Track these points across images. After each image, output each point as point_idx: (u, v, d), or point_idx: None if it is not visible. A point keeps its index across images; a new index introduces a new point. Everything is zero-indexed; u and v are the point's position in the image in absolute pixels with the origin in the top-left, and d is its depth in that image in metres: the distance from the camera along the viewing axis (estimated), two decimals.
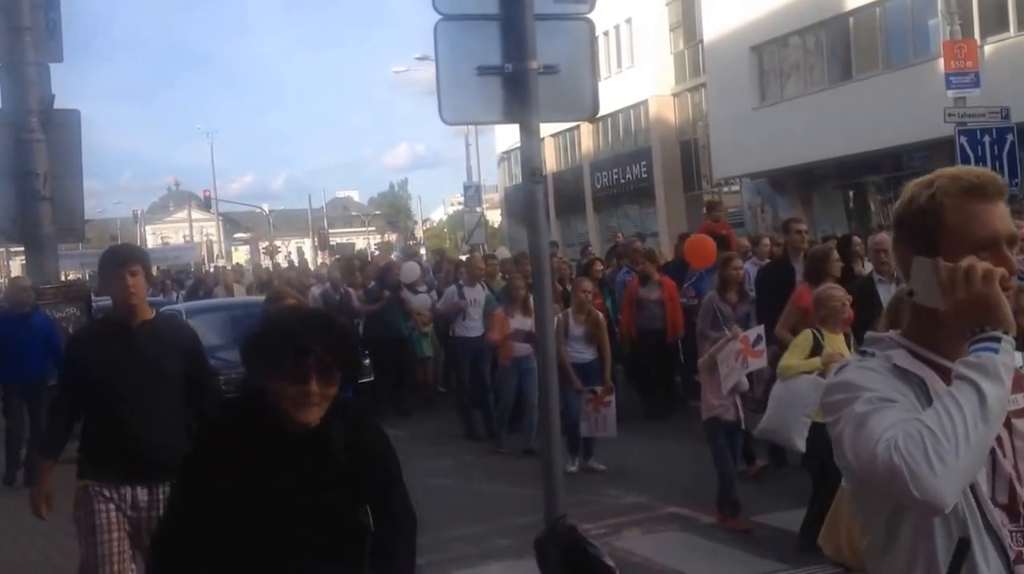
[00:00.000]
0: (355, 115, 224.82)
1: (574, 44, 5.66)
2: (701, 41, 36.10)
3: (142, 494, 5.15)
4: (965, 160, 17.73)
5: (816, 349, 7.27)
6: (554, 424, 5.64)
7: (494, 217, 66.21)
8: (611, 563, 4.46)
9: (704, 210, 16.35)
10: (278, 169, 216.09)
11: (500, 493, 10.14)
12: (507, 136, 48.43)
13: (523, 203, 5.61)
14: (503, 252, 19.60)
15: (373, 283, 16.36)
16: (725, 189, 37.48)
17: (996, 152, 17.90)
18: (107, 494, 5.12)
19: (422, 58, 46.14)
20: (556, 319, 9.43)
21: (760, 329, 8.81)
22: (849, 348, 7.13)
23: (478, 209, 43.84)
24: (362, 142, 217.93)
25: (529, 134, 5.45)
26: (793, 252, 10.87)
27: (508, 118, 5.55)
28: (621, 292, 14.33)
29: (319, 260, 51.43)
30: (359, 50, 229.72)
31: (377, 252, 52.18)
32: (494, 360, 13.12)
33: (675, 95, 40.00)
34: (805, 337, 7.42)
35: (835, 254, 9.31)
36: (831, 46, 30.22)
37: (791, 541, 7.54)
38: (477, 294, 13.67)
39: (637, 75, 39.82)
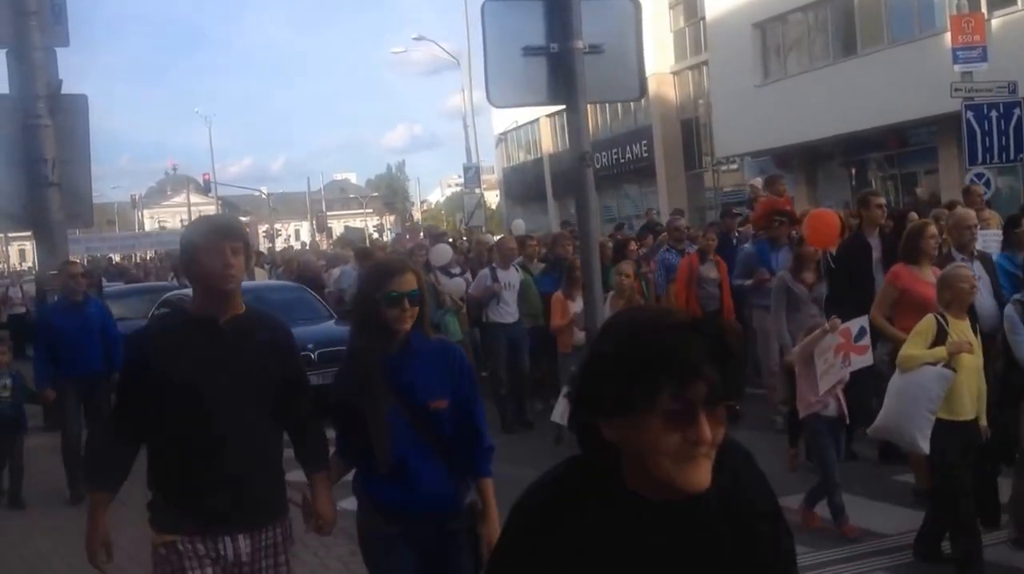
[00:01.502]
0: (354, 96, 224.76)
1: (620, 23, 5.57)
2: (703, 18, 35.90)
3: (244, 545, 4.01)
4: (971, 135, 17.70)
5: (940, 337, 6.46)
6: None
7: (491, 198, 66.04)
8: None
9: (762, 185, 15.49)
10: (276, 152, 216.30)
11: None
12: (505, 117, 48.30)
13: (574, 186, 5.51)
14: (519, 227, 19.04)
15: None
16: (725, 167, 37.40)
17: (1003, 127, 17.84)
18: (202, 550, 3.93)
19: (419, 38, 46.18)
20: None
21: (864, 320, 7.88)
22: (976, 335, 6.56)
23: (477, 190, 43.63)
24: (360, 124, 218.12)
25: (576, 115, 5.37)
26: (869, 227, 10.13)
27: (554, 99, 5.47)
28: (664, 272, 13.56)
29: (322, 244, 51.40)
30: (357, 31, 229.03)
31: (375, 235, 52.04)
32: (533, 347, 12.69)
33: (675, 73, 39.80)
34: (927, 324, 6.56)
35: (932, 229, 8.53)
36: (835, 21, 30.07)
37: (833, 531, 7.41)
38: (511, 277, 12.90)
39: None
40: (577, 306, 10.64)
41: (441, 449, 4.08)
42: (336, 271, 17.47)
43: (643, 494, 1.95)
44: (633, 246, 14.17)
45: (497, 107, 5.70)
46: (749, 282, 11.51)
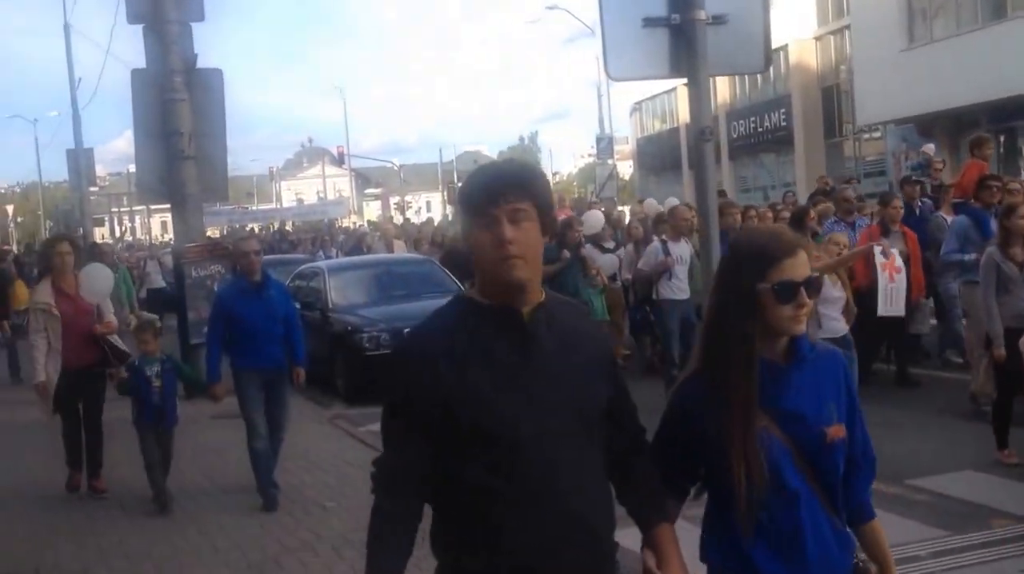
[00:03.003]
0: (487, 67, 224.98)
1: None
2: None
3: None
4: None
5: None
6: None
7: (624, 169, 65.60)
8: None
9: (970, 148, 13.93)
10: (410, 124, 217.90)
11: None
12: (640, 86, 47.68)
13: (693, 162, 5.28)
14: (652, 205, 18.47)
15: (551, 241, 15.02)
16: (867, 135, 36.43)
17: None
18: None
19: (552, 7, 45.90)
20: None
21: None
22: None
23: (610, 161, 43.33)
24: (493, 94, 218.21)
25: (698, 89, 5.12)
26: None
27: (675, 72, 5.21)
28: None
29: (451, 215, 51.66)
30: (491, 1, 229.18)
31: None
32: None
33: (817, 39, 38.81)
34: None
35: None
36: None
37: (949, 507, 7.11)
38: (682, 250, 11.93)
39: (776, 19, 38.53)
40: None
41: (830, 496, 2.90)
42: None
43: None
44: (812, 215, 12.31)
45: (615, 80, 5.49)
46: (970, 257, 10.03)
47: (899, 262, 10.60)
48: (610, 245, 14.61)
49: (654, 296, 12.19)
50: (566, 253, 13.16)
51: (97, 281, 9.23)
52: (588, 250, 13.56)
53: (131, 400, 8.52)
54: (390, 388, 2.77)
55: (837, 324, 9.08)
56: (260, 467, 8.45)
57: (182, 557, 7.27)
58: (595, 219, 14.79)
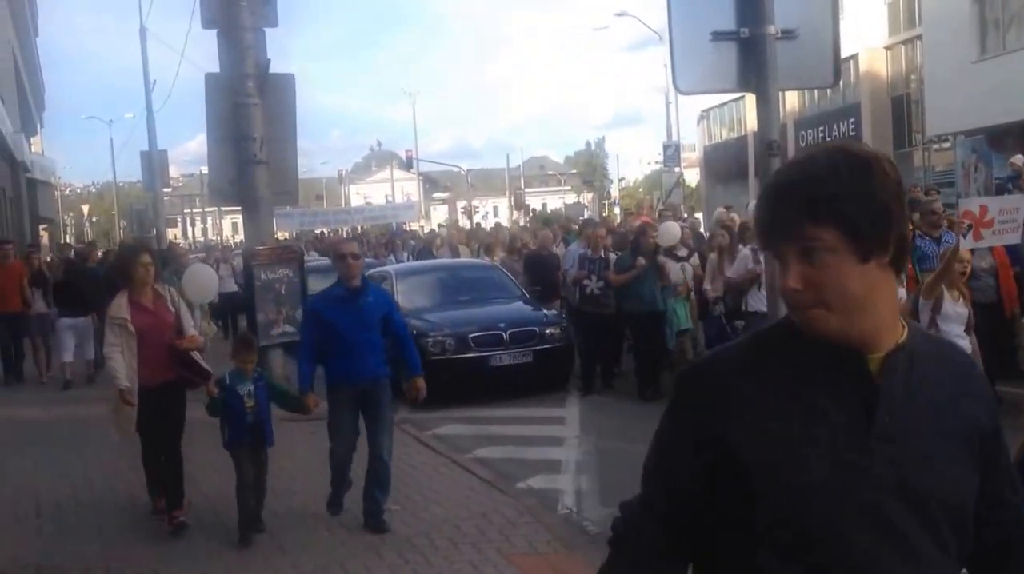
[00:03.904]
0: (555, 73, 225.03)
1: (816, 6, 5.34)
2: None
3: None
4: None
5: None
6: None
7: (691, 176, 65.26)
8: None
9: None
10: (478, 128, 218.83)
11: None
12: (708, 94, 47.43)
13: (761, 174, 5.34)
14: (722, 213, 18.29)
15: (620, 251, 14.42)
16: (936, 147, 35.97)
17: None
18: None
19: (621, 14, 45.88)
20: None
21: None
22: None
23: (676, 169, 43.21)
24: (561, 100, 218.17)
25: (766, 103, 5.15)
26: None
27: (743, 87, 5.26)
28: (916, 263, 10.89)
29: (520, 221, 51.76)
30: (560, 6, 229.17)
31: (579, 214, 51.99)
32: None
33: (888, 48, 38.41)
34: None
35: None
36: None
37: None
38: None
39: (847, 27, 38.19)
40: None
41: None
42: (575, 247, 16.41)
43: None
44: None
45: (683, 93, 5.50)
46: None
47: None
48: (683, 253, 14.36)
49: (743, 308, 11.75)
50: (641, 260, 13.09)
51: (202, 283, 8.71)
52: (662, 259, 13.44)
53: (220, 422, 7.85)
54: (675, 421, 2.10)
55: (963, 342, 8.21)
56: (338, 480, 8.18)
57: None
58: (672, 231, 14.52)
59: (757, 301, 11.00)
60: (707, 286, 13.39)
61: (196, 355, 8.23)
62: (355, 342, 7.85)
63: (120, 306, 8.05)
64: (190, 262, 16.72)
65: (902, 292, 8.71)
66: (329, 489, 8.29)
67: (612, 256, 14.38)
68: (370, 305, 7.98)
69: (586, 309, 14.27)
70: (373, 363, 7.94)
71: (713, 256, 13.55)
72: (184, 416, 8.26)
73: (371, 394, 7.93)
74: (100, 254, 23.43)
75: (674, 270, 13.64)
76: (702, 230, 19.09)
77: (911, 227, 11.15)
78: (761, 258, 10.61)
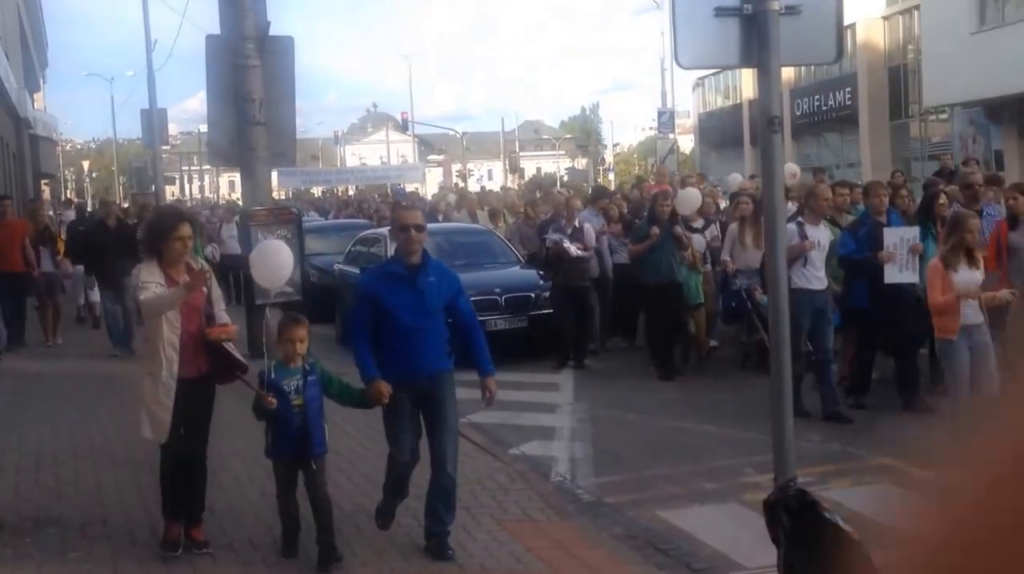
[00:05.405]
0: (551, 38, 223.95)
1: None
2: None
3: None
4: None
5: None
6: (786, 380, 5.46)
7: (684, 143, 65.25)
8: (849, 528, 4.27)
9: None
10: (473, 92, 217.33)
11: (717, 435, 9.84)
12: None
13: (760, 153, 5.38)
14: (736, 179, 17.93)
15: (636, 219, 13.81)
16: (933, 117, 35.98)
17: None
18: None
19: None
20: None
21: None
22: None
23: (671, 135, 43.24)
24: (556, 65, 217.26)
25: (768, 79, 5.17)
26: None
27: (746, 62, 5.28)
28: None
29: (514, 184, 51.67)
30: None
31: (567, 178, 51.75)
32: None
33: (885, 18, 38.34)
34: None
35: None
36: None
37: None
38: (821, 234, 10.63)
39: None
40: (963, 276, 8.52)
41: None
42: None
43: None
44: (943, 200, 10.98)
45: (685, 69, 5.49)
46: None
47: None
48: (698, 224, 13.67)
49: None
50: (655, 230, 12.52)
51: (278, 264, 7.22)
52: (680, 228, 12.71)
53: (265, 423, 6.62)
54: None
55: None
56: (396, 490, 6.89)
57: None
58: (692, 198, 13.52)
59: (801, 278, 10.27)
60: (726, 257, 12.73)
61: (229, 346, 6.89)
62: (413, 330, 6.61)
63: (152, 271, 6.69)
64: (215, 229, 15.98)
65: (978, 275, 8.65)
66: (380, 497, 7.04)
67: (587, 226, 13.87)
68: (432, 287, 6.68)
69: (559, 281, 13.74)
70: (432, 356, 6.72)
71: (734, 226, 12.94)
72: (211, 415, 7.04)
73: (432, 392, 6.72)
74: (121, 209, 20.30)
75: (693, 239, 12.98)
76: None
77: (948, 199, 11.09)
78: (808, 232, 10.40)
